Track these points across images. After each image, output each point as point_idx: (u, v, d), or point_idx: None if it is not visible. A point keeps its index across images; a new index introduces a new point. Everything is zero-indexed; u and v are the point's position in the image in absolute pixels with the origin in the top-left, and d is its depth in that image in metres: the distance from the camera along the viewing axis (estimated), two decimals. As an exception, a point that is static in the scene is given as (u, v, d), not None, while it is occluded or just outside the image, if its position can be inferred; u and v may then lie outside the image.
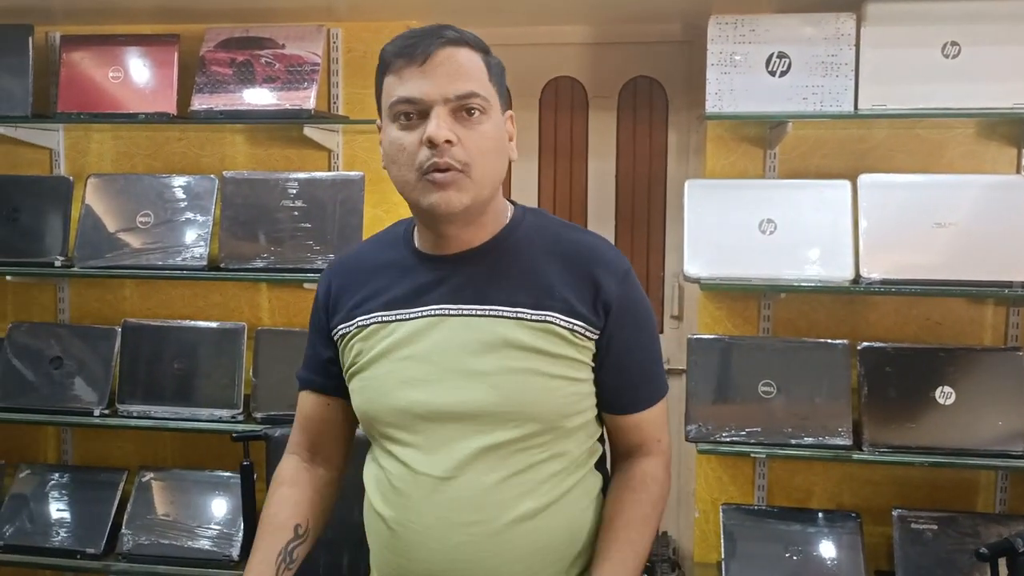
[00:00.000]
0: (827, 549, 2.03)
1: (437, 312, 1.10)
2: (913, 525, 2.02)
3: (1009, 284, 1.91)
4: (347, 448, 1.24)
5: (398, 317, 1.11)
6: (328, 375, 1.19)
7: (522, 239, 1.13)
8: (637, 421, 1.16)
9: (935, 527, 2.01)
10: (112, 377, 2.23)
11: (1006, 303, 2.09)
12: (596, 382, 1.13)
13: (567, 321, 1.09)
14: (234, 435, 1.73)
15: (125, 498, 2.25)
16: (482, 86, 1.05)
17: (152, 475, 2.27)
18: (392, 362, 1.11)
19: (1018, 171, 2.08)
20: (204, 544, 2.16)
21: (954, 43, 1.96)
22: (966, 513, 2.06)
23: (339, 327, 1.16)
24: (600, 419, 1.17)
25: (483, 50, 1.09)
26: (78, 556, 2.19)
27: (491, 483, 1.06)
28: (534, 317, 1.08)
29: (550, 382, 1.08)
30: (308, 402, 1.22)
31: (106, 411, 2.21)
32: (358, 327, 1.14)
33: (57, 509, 2.27)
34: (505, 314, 1.08)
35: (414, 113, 1.04)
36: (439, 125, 1.02)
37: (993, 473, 2.10)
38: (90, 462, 2.44)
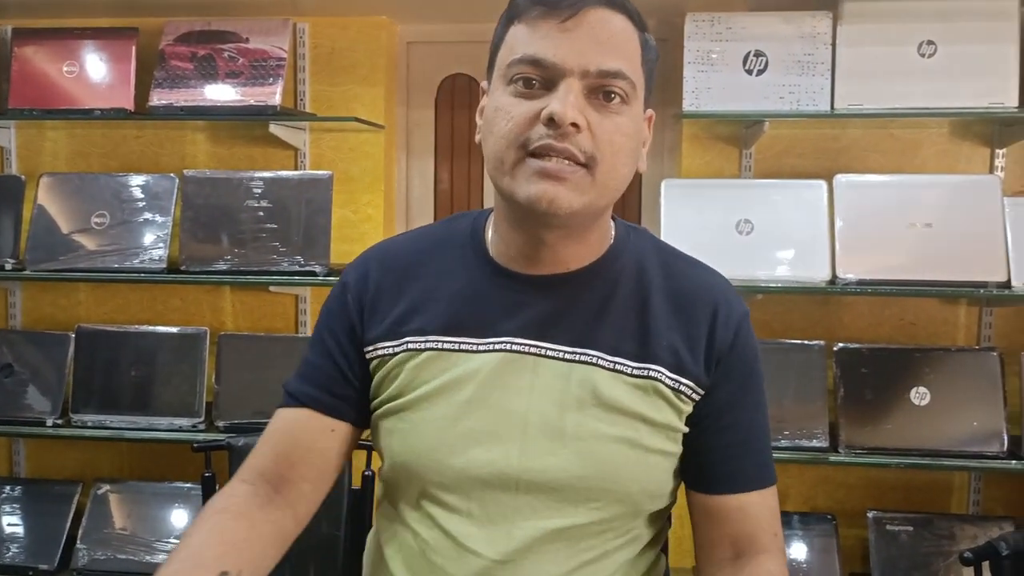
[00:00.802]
0: (802, 552, 2.02)
1: (516, 347, 0.86)
2: (888, 527, 2.01)
3: (983, 284, 1.91)
4: (325, 492, 0.94)
5: (463, 347, 0.87)
6: (341, 394, 0.92)
7: (629, 266, 0.90)
8: (742, 504, 0.88)
9: (910, 529, 2.01)
10: (66, 385, 2.14)
11: (979, 303, 2.10)
12: (689, 451, 0.89)
13: (673, 379, 0.86)
14: (195, 445, 1.65)
15: (80, 511, 2.16)
16: (633, 68, 0.82)
17: (108, 487, 2.18)
18: (451, 405, 0.87)
19: (991, 171, 2.09)
20: (163, 559, 2.07)
21: (930, 42, 1.95)
22: (941, 514, 2.06)
23: (378, 344, 0.90)
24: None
25: (643, 27, 0.86)
26: (30, 573, 2.10)
27: (557, 575, 0.85)
28: (636, 371, 0.86)
29: (646, 457, 0.86)
30: (299, 424, 0.92)
31: (59, 421, 2.11)
32: (408, 351, 0.89)
33: (8, 524, 2.17)
34: (602, 363, 0.86)
35: (538, 79, 0.80)
36: (567, 102, 0.78)
37: (967, 474, 2.10)
38: (43, 474, 2.34)
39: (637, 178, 2.51)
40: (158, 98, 2.12)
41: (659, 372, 0.86)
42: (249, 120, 2.17)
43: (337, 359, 0.92)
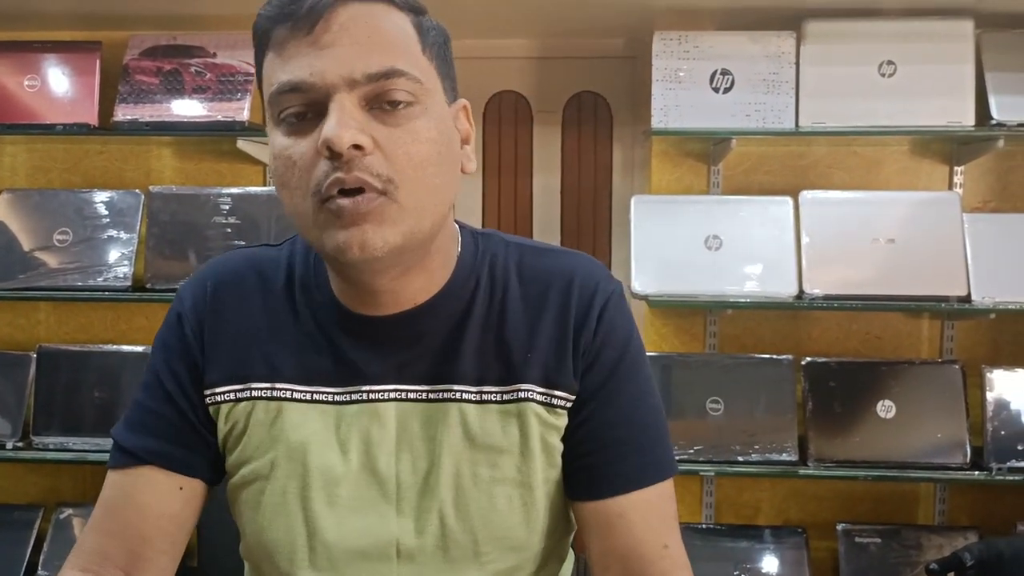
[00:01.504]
0: (773, 565, 2.03)
1: (375, 396, 0.77)
2: (857, 539, 2.04)
3: (944, 298, 1.95)
4: (178, 563, 0.81)
5: (317, 397, 0.77)
6: (190, 444, 0.79)
7: (482, 279, 0.80)
8: (624, 510, 0.77)
9: (878, 540, 2.04)
10: (26, 407, 2.07)
11: (941, 317, 2.14)
12: (567, 457, 0.80)
13: (544, 393, 0.78)
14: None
15: (41, 537, 2.09)
16: (411, 61, 0.70)
17: (71, 511, 2.12)
18: (312, 472, 0.76)
19: (951, 187, 2.14)
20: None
21: (890, 62, 2.00)
22: (908, 526, 2.09)
23: (219, 388, 0.78)
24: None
25: (413, 9, 0.72)
26: (-12, 602, 2.03)
27: None
28: (506, 396, 0.77)
29: (533, 492, 0.77)
30: (143, 486, 0.77)
31: (20, 443, 2.05)
32: (252, 398, 0.77)
33: (-36, 551, 2.10)
34: (467, 396, 0.77)
35: (306, 108, 0.69)
36: (341, 121, 0.66)
37: (932, 485, 2.14)
38: (2, 499, 2.26)
39: (606, 194, 2.54)
40: (123, 113, 2.09)
41: (529, 391, 0.77)
42: (217, 136, 2.14)
43: (180, 403, 0.79)
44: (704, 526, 2.12)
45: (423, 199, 0.70)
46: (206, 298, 0.81)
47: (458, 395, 0.77)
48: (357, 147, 0.67)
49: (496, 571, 0.78)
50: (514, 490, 0.77)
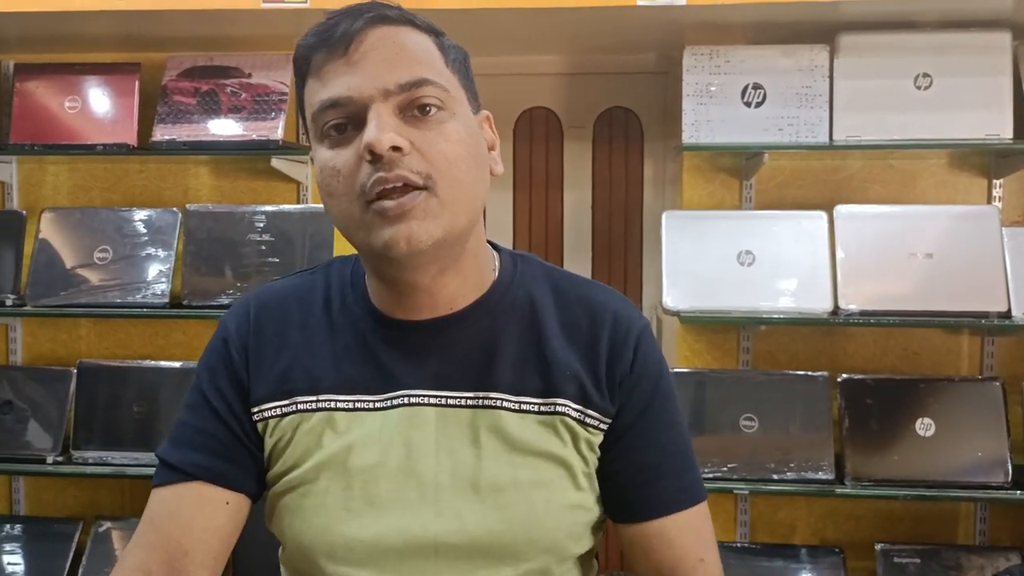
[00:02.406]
0: (811, 585, 2.00)
1: (415, 400, 0.81)
2: (896, 559, 2.00)
3: (984, 314, 1.91)
4: None
5: (359, 405, 0.81)
6: (235, 459, 0.82)
7: (519, 298, 0.85)
8: (662, 530, 0.84)
9: (918, 560, 1.99)
10: (67, 422, 2.11)
11: (981, 333, 2.10)
12: (605, 481, 0.85)
13: (578, 410, 0.82)
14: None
15: (80, 550, 2.13)
16: (437, 73, 0.77)
17: (110, 524, 2.15)
18: (353, 474, 0.80)
19: (989, 201, 2.10)
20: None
21: (926, 75, 1.98)
22: (948, 546, 2.05)
23: (265, 405, 0.82)
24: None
25: (434, 32, 0.81)
26: (29, 613, 2.07)
27: None
28: (543, 408, 0.81)
29: (565, 496, 0.82)
30: (188, 501, 0.81)
31: (60, 458, 2.09)
32: (299, 411, 0.81)
33: (8, 563, 2.14)
34: (507, 404, 0.81)
35: (346, 122, 0.75)
36: (380, 126, 0.73)
37: (973, 504, 2.09)
38: (43, 512, 2.31)
39: (638, 209, 2.53)
40: (161, 133, 2.13)
41: (565, 405, 0.82)
42: (251, 154, 2.17)
43: (227, 419, 0.83)
44: (739, 545, 2.09)
45: (458, 194, 0.76)
46: (249, 323, 0.85)
47: (498, 402, 0.81)
48: (396, 148, 0.73)
49: (530, 570, 0.81)
50: (551, 494, 0.81)
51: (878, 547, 2.00)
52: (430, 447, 0.80)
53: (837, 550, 2.03)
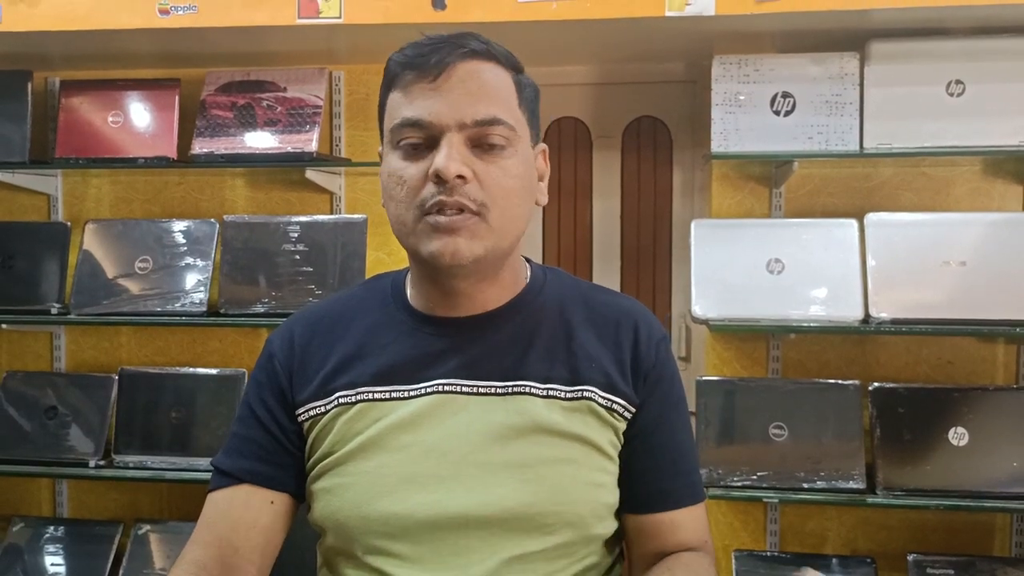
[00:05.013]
0: (843, 596, 1.99)
1: (448, 388, 0.88)
2: (929, 570, 1.97)
3: (1019, 322, 1.88)
4: (269, 572, 0.92)
5: (395, 394, 0.88)
6: (279, 462, 0.91)
7: (549, 302, 0.93)
8: (674, 519, 0.92)
9: (951, 572, 1.97)
10: (108, 426, 2.18)
11: (1016, 341, 2.07)
12: (622, 473, 0.92)
13: (605, 398, 0.89)
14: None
15: (121, 552, 2.18)
16: (509, 112, 0.86)
17: (149, 527, 2.21)
18: (388, 453, 0.86)
19: (1024, 208, 2.07)
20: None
21: (958, 81, 1.96)
22: (983, 557, 2.01)
23: (309, 405, 0.90)
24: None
25: (515, 68, 0.89)
26: (72, 613, 2.13)
27: None
28: (569, 395, 0.88)
29: (591, 475, 0.88)
30: (237, 502, 0.89)
31: (102, 462, 2.15)
32: (340, 405, 0.89)
33: (51, 564, 2.20)
34: (535, 391, 0.88)
35: (421, 140, 0.84)
36: (450, 155, 0.82)
37: (1008, 516, 2.06)
38: (85, 514, 2.38)
39: (667, 218, 2.53)
40: (199, 146, 2.19)
41: (592, 392, 0.89)
42: (287, 166, 2.22)
43: (270, 427, 0.92)
44: (768, 554, 2.08)
45: (506, 223, 0.86)
46: (292, 339, 0.95)
47: (527, 389, 0.88)
48: (460, 177, 0.83)
49: (556, 544, 0.87)
50: (577, 471, 0.88)
51: (910, 557, 1.98)
52: (462, 429, 0.87)
53: (869, 560, 2.02)
